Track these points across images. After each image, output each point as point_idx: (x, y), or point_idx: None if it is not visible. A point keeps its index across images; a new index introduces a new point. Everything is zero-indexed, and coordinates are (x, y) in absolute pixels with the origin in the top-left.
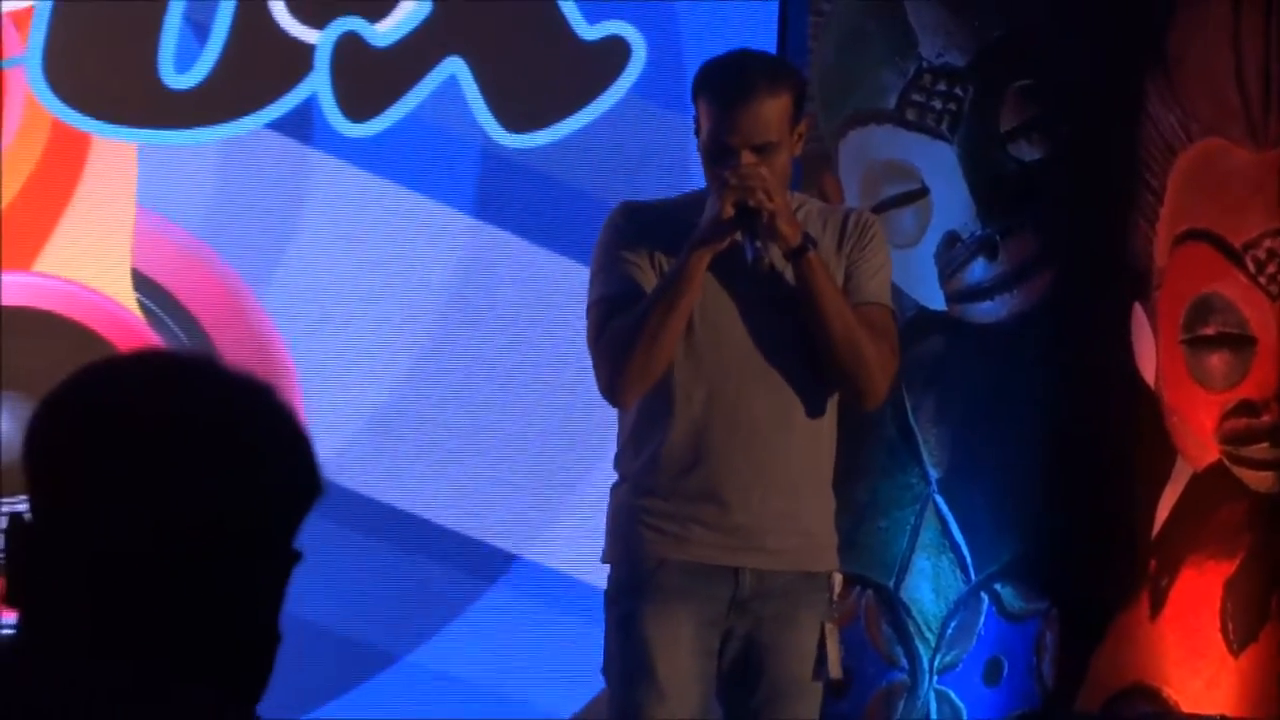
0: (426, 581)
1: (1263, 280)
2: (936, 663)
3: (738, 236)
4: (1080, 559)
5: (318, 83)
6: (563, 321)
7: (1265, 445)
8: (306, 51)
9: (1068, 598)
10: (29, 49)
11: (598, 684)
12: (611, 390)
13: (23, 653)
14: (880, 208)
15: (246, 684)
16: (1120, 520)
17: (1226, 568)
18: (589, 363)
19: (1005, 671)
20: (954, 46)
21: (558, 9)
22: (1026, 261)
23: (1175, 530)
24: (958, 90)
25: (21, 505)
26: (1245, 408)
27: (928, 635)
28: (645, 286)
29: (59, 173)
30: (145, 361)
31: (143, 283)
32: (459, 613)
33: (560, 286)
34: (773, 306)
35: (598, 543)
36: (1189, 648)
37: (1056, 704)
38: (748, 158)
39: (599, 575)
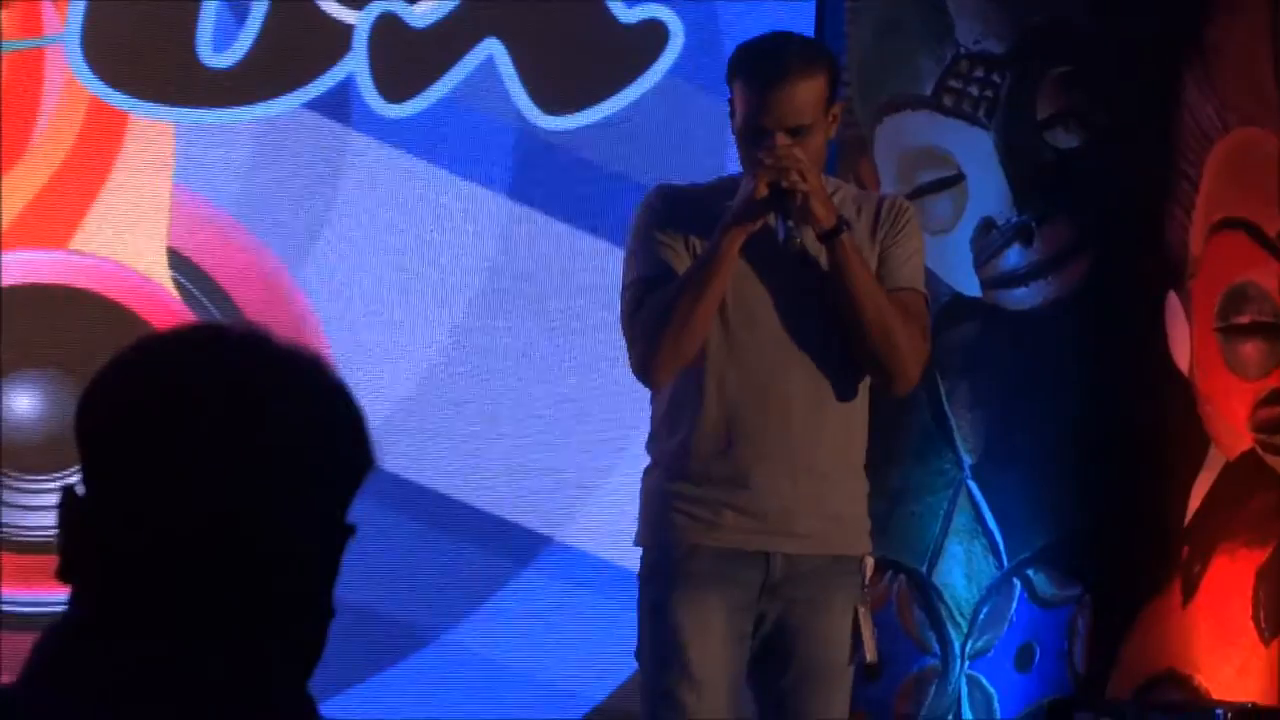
0: (460, 563)
1: None
2: (968, 648)
3: (770, 219)
4: (1112, 546)
5: (355, 63)
6: (598, 303)
7: None
8: (345, 32)
9: (1100, 584)
10: (68, 28)
11: (630, 667)
12: (644, 371)
13: (80, 630)
14: (916, 194)
15: (299, 659)
16: (1153, 507)
17: (1259, 556)
18: (623, 344)
19: (1037, 657)
20: (991, 33)
21: None
22: (1062, 249)
23: (1208, 518)
24: (995, 77)
25: (54, 483)
26: (1279, 396)
27: (960, 621)
28: (679, 269)
29: (96, 151)
30: (197, 337)
31: (178, 261)
32: (492, 594)
33: (596, 268)
34: (806, 290)
35: (632, 525)
36: (1220, 635)
37: (1088, 690)
38: (782, 139)
39: (632, 558)
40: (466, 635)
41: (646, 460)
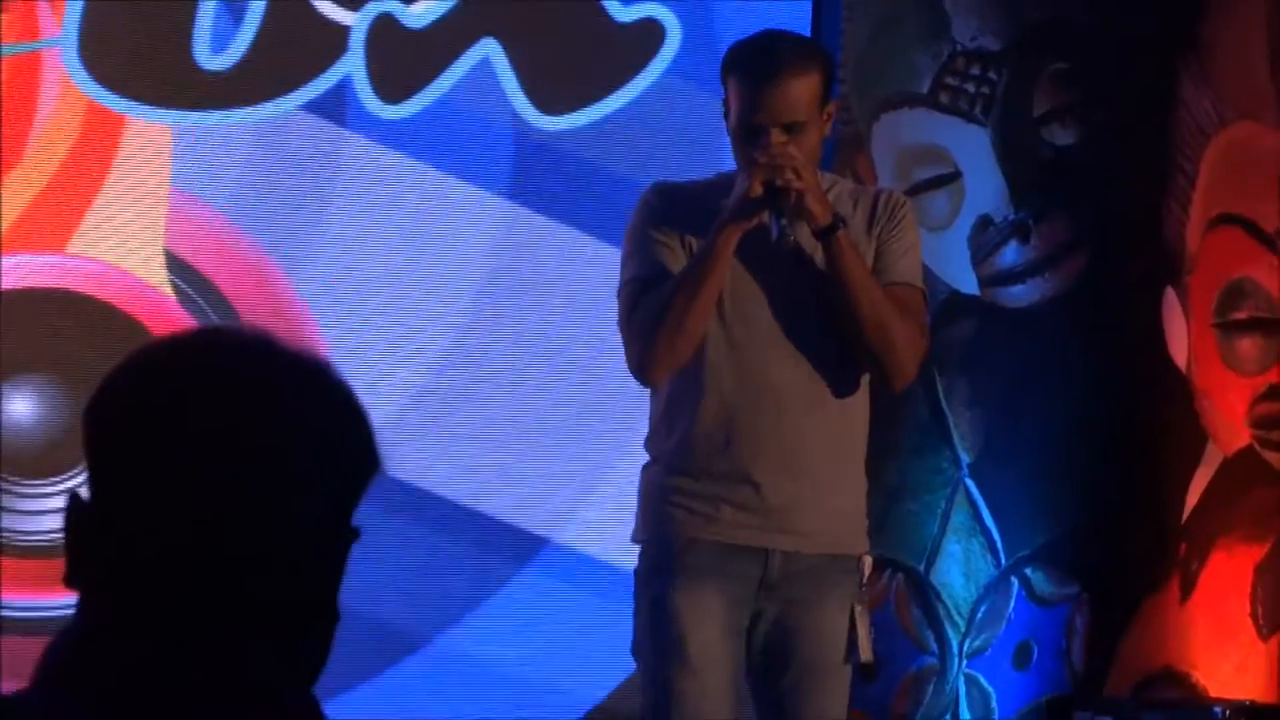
0: (458, 564)
1: None
2: (966, 647)
3: (765, 217)
4: (1110, 543)
5: (352, 64)
6: (596, 303)
7: None
8: (341, 33)
9: (1097, 582)
10: (64, 30)
11: (628, 667)
12: (641, 369)
13: (90, 634)
14: (914, 191)
15: (307, 662)
16: (1150, 504)
17: (1256, 552)
18: (620, 344)
19: (1035, 656)
20: (988, 30)
21: None
22: (1059, 245)
23: (1205, 515)
24: (991, 74)
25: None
26: (1276, 392)
27: (957, 619)
28: (676, 267)
29: (93, 154)
30: (204, 341)
31: (176, 264)
32: (490, 595)
33: (593, 268)
34: (803, 286)
35: (628, 526)
36: (1218, 632)
37: (1086, 688)
38: (777, 137)
39: (629, 559)
40: (464, 637)
41: (645, 460)
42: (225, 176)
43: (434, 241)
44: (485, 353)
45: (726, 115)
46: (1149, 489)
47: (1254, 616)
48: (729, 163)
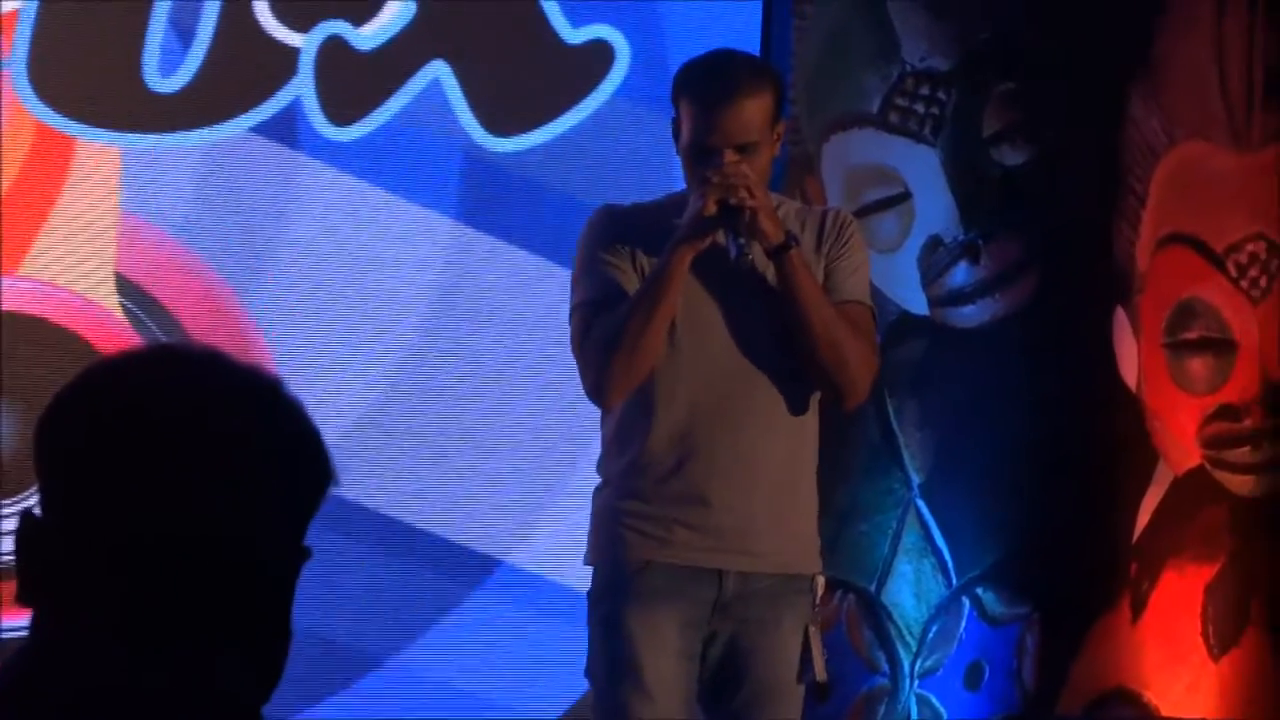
0: (410, 585)
1: (1244, 284)
2: (918, 667)
3: (719, 236)
4: (1061, 563)
5: (302, 86)
6: (546, 324)
7: (1246, 449)
8: (291, 55)
9: (1049, 602)
10: (13, 52)
11: (581, 686)
12: (598, 392)
13: (42, 651)
14: (863, 211)
15: (260, 680)
16: (1101, 524)
17: (1207, 572)
18: (572, 365)
19: (986, 676)
20: (937, 51)
21: (541, 12)
22: (1009, 266)
23: (1156, 534)
24: (941, 94)
25: (11, 509)
26: (1226, 412)
27: (909, 639)
28: (628, 288)
29: (43, 176)
30: (153, 358)
31: (126, 286)
32: (442, 616)
33: (543, 289)
34: (754, 305)
35: (581, 546)
36: (1170, 652)
37: (1037, 708)
38: (730, 157)
39: (582, 578)
40: (417, 658)
41: (597, 481)
42: (175, 198)
43: (384, 262)
44: (435, 373)
45: (676, 135)
46: (1100, 508)
47: (1205, 636)
48: (679, 183)
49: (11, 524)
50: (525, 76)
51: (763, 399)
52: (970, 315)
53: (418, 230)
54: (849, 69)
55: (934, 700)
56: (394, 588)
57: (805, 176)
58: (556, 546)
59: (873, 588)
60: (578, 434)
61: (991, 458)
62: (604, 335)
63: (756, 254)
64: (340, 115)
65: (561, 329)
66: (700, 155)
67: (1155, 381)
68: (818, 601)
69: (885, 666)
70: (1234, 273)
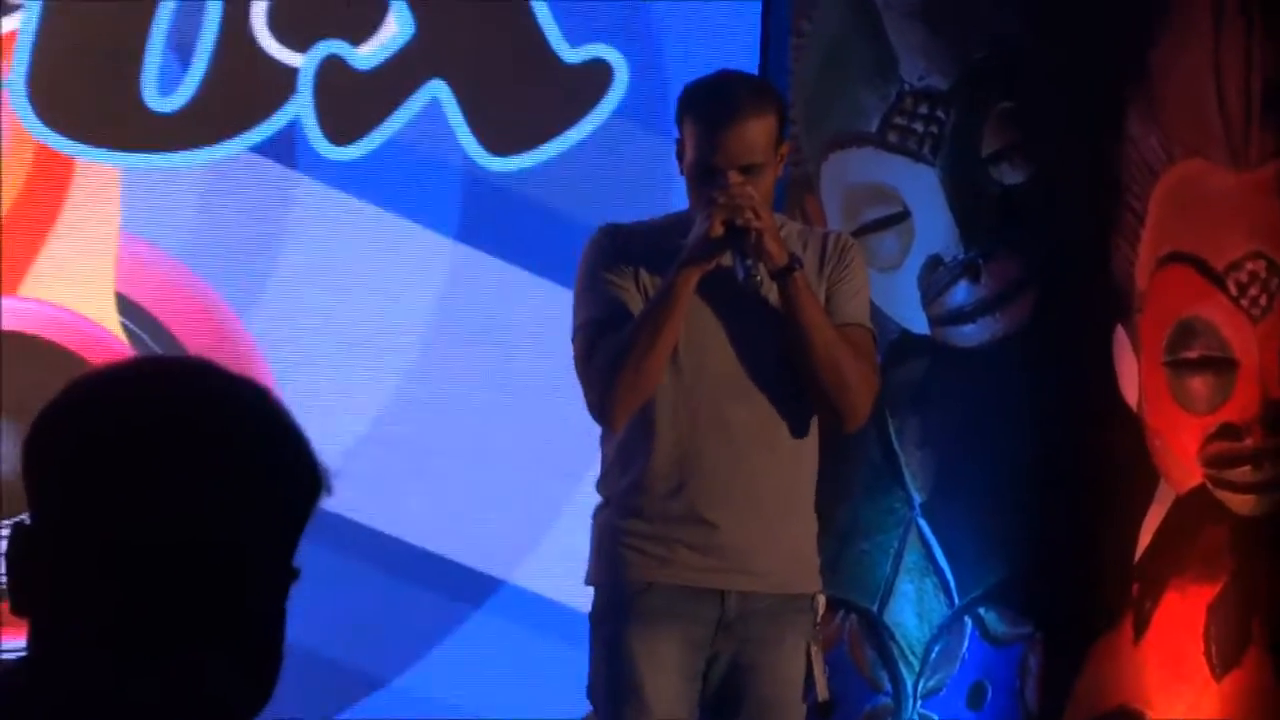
0: (412, 606)
1: (1245, 303)
2: (920, 687)
3: (724, 258)
4: (1063, 583)
5: (301, 106)
6: (545, 344)
7: (1247, 468)
8: (289, 74)
9: (1051, 621)
10: (12, 72)
11: (584, 707)
12: (602, 412)
13: (37, 659)
14: (863, 231)
15: (250, 699)
16: (1103, 543)
17: (1209, 591)
18: (574, 384)
19: (989, 696)
20: (935, 69)
21: (540, 32)
22: (1009, 284)
23: (1158, 554)
24: (939, 113)
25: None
26: (1228, 431)
27: (911, 659)
28: (630, 308)
29: (43, 197)
30: (140, 368)
31: (126, 307)
32: (444, 637)
33: (543, 309)
34: (756, 326)
35: (582, 566)
36: (1172, 671)
37: None
38: (734, 178)
39: (583, 599)
40: (420, 679)
41: (598, 500)
42: (175, 219)
43: (384, 282)
44: (436, 393)
45: (680, 156)
46: (1102, 528)
47: (1207, 656)
48: (679, 203)
49: None
50: (524, 96)
51: (764, 420)
52: (971, 334)
53: (418, 249)
54: (847, 87)
55: None
56: (396, 607)
57: (805, 196)
58: (559, 566)
59: (875, 607)
60: (579, 453)
61: (993, 477)
62: (608, 355)
63: (759, 274)
64: (339, 134)
65: (563, 348)
66: (704, 176)
67: (1156, 400)
68: (819, 620)
69: (888, 686)
70: (1234, 291)
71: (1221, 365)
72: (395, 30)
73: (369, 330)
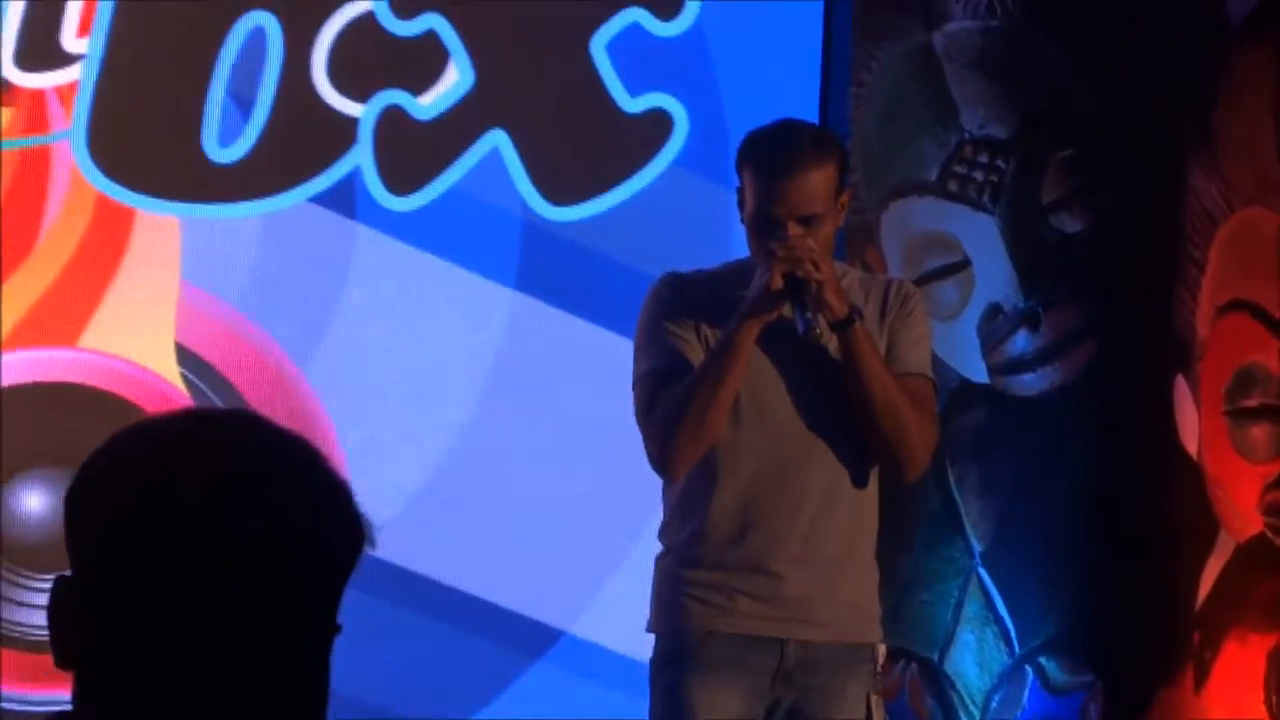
0: (471, 657)
1: None
2: None
3: (785, 309)
4: (1124, 632)
5: (361, 156)
6: (605, 394)
7: None
8: (349, 125)
9: (1112, 671)
10: (74, 123)
11: None
12: (663, 463)
13: (77, 715)
14: (923, 280)
15: None
16: (1163, 592)
17: (1270, 640)
18: (634, 434)
19: None
20: (995, 118)
21: (600, 81)
22: (1068, 333)
23: (1218, 602)
24: (999, 162)
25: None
26: None
27: (972, 709)
28: (692, 358)
29: (103, 247)
30: (184, 422)
31: (186, 357)
32: (505, 688)
33: (603, 359)
34: (817, 377)
35: (642, 617)
36: None
37: None
38: (794, 229)
39: (644, 649)
40: None
41: (659, 549)
42: (235, 269)
43: (443, 332)
44: (497, 442)
45: (741, 205)
46: (1162, 577)
47: (1269, 705)
48: (738, 251)
49: (30, 597)
50: (584, 145)
51: (825, 470)
52: (1030, 383)
53: (477, 299)
54: (907, 137)
55: None
56: (455, 658)
57: (865, 245)
58: (619, 616)
59: (935, 656)
60: (639, 503)
61: (1053, 526)
62: (669, 407)
63: (822, 326)
64: (399, 184)
65: (623, 398)
66: (764, 225)
67: (1216, 449)
68: (879, 670)
69: None
70: None
71: None
72: (455, 80)
73: (428, 379)
